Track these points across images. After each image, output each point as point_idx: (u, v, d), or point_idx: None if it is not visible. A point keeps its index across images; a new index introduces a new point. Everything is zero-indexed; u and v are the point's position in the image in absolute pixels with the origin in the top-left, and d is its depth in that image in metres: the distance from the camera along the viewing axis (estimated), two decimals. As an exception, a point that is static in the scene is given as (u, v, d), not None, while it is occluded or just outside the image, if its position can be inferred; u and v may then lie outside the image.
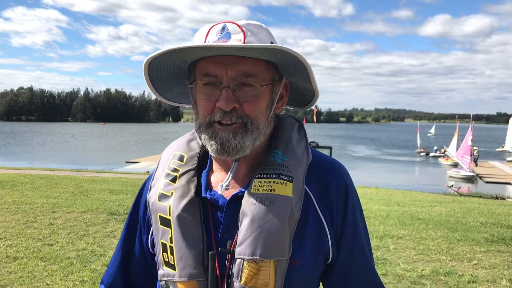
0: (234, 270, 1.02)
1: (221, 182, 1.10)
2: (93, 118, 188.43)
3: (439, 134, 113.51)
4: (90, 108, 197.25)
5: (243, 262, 1.01)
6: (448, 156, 39.01)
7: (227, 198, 1.08)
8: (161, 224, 1.09)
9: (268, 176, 1.07)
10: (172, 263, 1.06)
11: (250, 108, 1.04)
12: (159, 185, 1.14)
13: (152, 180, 1.18)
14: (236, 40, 1.01)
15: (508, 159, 45.20)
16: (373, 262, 1.20)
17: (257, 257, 1.00)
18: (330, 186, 1.11)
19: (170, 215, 1.08)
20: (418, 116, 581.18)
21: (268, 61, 1.06)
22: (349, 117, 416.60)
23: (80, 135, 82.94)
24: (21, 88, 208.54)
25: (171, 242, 1.07)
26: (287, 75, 1.12)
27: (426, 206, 11.24)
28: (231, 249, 1.03)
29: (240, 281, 1.01)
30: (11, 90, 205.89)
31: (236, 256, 1.02)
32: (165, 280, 1.08)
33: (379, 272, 5.12)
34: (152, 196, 1.14)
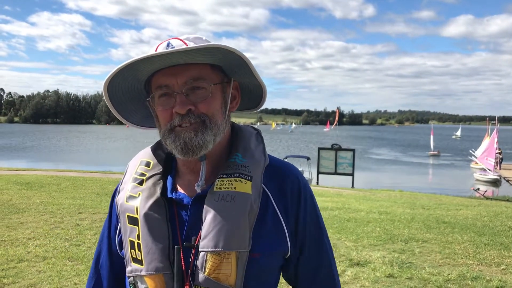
0: (198, 262, 1.09)
1: (186, 184, 1.20)
2: (117, 121, 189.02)
3: (465, 136, 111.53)
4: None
5: (206, 255, 1.09)
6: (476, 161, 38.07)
7: (191, 198, 1.16)
8: (129, 223, 1.18)
9: (229, 175, 1.16)
10: (140, 258, 1.14)
11: (205, 107, 1.13)
12: (127, 188, 1.23)
13: (121, 184, 1.28)
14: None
15: None
16: (328, 253, 1.27)
17: (220, 249, 1.08)
18: (285, 184, 1.21)
19: (137, 214, 1.16)
20: (443, 118, 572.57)
21: (214, 66, 1.16)
22: (372, 119, 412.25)
23: (105, 137, 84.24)
24: (47, 91, 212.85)
25: (138, 239, 1.15)
26: (234, 76, 1.22)
27: (452, 210, 11.06)
28: (195, 244, 1.11)
29: (204, 273, 1.08)
30: (38, 93, 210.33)
31: (200, 249, 1.10)
32: (133, 276, 1.15)
33: (404, 276, 5.09)
34: (120, 199, 1.23)
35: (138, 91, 1.23)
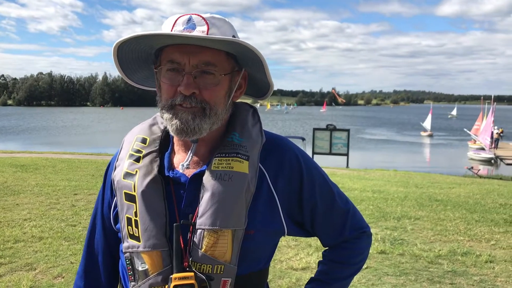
0: (195, 239, 1.12)
1: (182, 162, 1.20)
2: (111, 103, 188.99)
3: (462, 115, 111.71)
4: (109, 93, 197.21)
5: (203, 232, 1.11)
6: (474, 139, 37.92)
7: (189, 177, 1.18)
8: (126, 200, 1.19)
9: (227, 154, 1.17)
10: (137, 235, 1.15)
11: (209, 95, 1.13)
12: (123, 165, 1.23)
13: (117, 161, 1.27)
14: (200, 31, 1.11)
15: None
16: (340, 207, 1.32)
17: (217, 227, 1.11)
18: (283, 164, 1.23)
19: (135, 191, 1.17)
20: (438, 97, 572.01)
21: (228, 53, 1.16)
22: (367, 99, 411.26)
23: (100, 119, 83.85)
24: (41, 73, 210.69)
25: (135, 216, 1.16)
26: (245, 67, 1.22)
27: (445, 188, 11.18)
28: (192, 221, 1.13)
29: (201, 249, 1.11)
30: (31, 76, 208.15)
31: (197, 227, 1.12)
32: (130, 252, 1.16)
33: (395, 252, 5.17)
34: (117, 175, 1.23)
35: (146, 54, 1.23)
